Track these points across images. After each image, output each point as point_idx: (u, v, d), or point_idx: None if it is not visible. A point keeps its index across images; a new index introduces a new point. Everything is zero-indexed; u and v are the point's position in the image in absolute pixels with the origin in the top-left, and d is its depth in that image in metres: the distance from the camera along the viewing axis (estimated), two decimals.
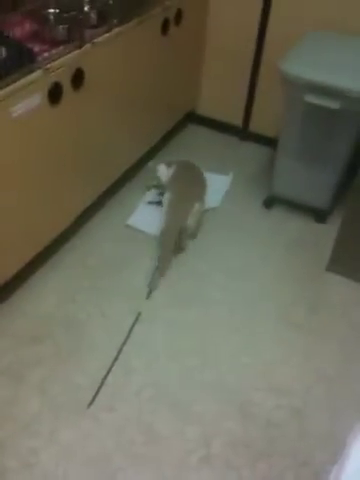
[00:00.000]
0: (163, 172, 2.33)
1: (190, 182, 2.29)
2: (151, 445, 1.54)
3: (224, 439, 1.57)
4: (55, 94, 1.68)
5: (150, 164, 2.43)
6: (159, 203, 2.31)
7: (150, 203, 2.38)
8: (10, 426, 1.55)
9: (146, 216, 2.32)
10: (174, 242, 2.11)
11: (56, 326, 1.84)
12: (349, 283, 2.09)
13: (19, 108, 1.56)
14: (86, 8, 1.83)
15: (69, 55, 1.72)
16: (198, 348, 1.81)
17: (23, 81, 1.55)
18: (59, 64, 1.67)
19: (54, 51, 1.68)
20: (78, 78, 1.77)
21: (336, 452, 1.52)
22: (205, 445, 1.55)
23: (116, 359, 1.74)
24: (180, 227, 2.12)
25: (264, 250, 2.22)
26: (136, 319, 1.88)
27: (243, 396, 1.68)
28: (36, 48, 1.66)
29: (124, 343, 1.80)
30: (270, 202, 2.44)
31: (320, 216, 2.37)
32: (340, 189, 2.33)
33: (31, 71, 1.59)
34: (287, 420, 1.63)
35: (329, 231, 2.30)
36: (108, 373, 1.70)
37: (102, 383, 1.67)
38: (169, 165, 2.34)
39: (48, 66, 1.63)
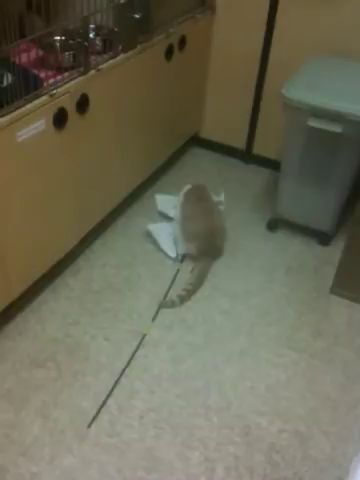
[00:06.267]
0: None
1: (202, 198, 2.32)
2: (154, 470, 1.52)
3: (227, 464, 1.55)
4: (60, 119, 1.71)
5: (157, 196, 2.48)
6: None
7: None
8: (11, 450, 1.54)
9: (167, 227, 2.32)
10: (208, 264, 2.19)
11: (59, 349, 1.84)
12: (353, 306, 2.08)
13: (24, 133, 1.59)
14: (91, 35, 1.87)
15: (74, 81, 1.75)
16: (201, 372, 1.81)
17: (29, 106, 1.59)
18: (64, 90, 1.70)
19: (60, 77, 1.72)
20: (83, 103, 1.80)
21: (340, 477, 1.51)
22: (208, 470, 1.53)
23: (117, 382, 1.74)
24: (212, 231, 2.21)
25: (267, 273, 2.22)
26: (140, 341, 1.88)
27: (246, 420, 1.67)
28: (42, 74, 1.70)
29: (126, 366, 1.79)
30: (273, 224, 2.45)
31: (324, 238, 2.38)
32: (343, 212, 2.34)
33: (37, 97, 1.62)
34: (291, 444, 1.61)
35: (333, 253, 2.30)
36: (109, 396, 1.69)
37: (103, 404, 1.67)
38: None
39: (54, 92, 1.66)
